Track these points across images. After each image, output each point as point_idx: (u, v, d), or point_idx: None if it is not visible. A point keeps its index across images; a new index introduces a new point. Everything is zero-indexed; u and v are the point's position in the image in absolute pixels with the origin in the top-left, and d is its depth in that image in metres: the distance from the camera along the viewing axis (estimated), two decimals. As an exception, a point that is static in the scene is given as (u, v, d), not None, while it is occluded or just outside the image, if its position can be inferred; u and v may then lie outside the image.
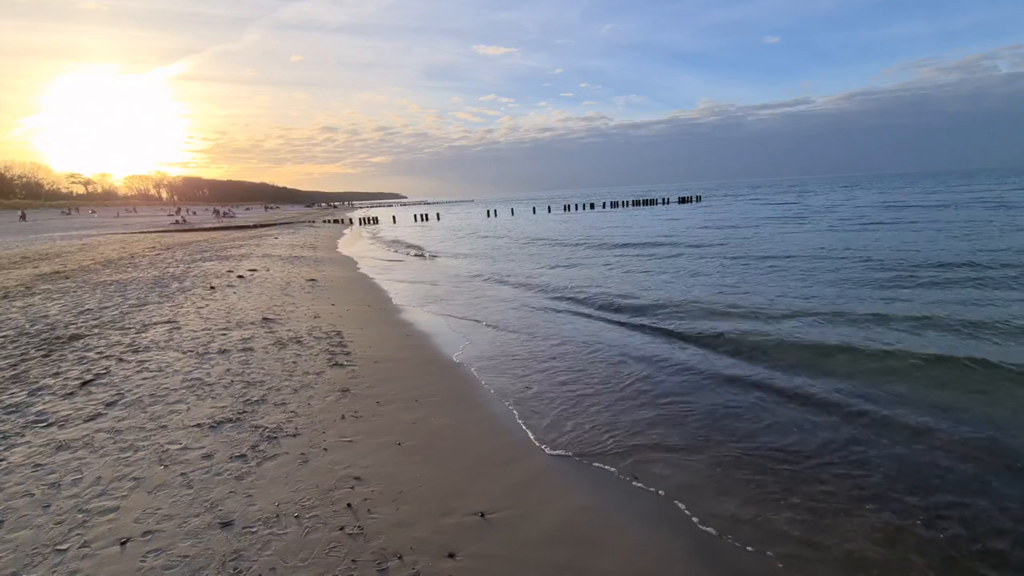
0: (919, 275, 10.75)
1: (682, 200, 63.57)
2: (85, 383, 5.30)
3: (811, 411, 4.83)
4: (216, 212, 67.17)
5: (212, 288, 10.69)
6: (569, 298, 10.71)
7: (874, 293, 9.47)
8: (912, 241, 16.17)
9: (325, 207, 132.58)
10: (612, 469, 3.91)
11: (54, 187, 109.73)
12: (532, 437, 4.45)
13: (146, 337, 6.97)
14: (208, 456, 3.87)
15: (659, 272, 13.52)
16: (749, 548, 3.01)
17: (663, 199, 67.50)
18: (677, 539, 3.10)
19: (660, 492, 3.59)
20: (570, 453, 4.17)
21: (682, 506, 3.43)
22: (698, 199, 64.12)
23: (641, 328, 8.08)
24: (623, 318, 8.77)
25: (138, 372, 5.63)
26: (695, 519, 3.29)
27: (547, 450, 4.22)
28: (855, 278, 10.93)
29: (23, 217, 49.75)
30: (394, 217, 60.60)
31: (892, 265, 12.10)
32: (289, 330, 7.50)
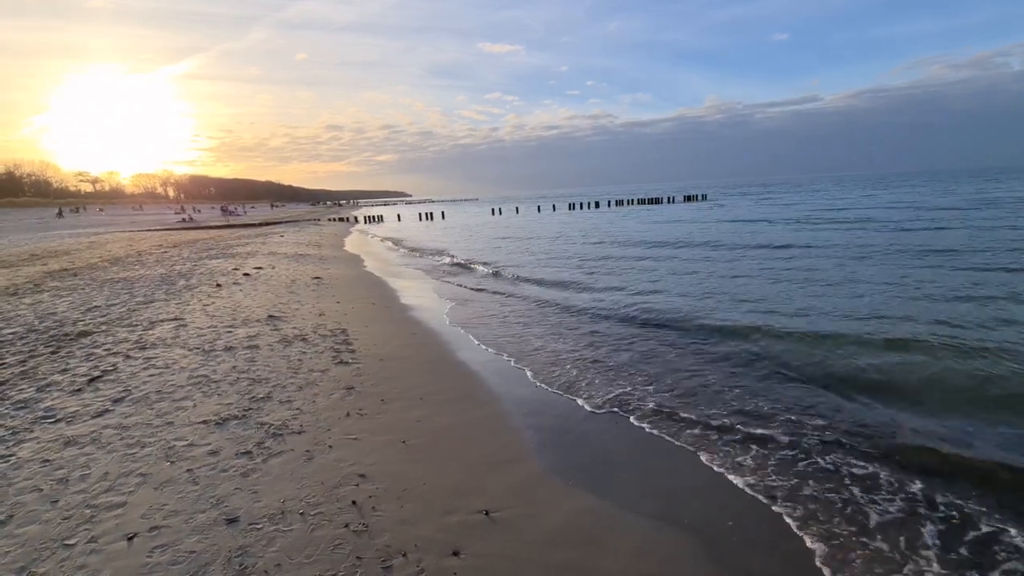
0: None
1: (687, 199, 63.35)
2: (93, 380, 5.34)
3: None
4: (223, 210, 67.48)
5: (218, 286, 10.75)
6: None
7: None
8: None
9: (331, 205, 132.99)
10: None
11: (62, 185, 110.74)
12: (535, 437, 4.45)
13: (153, 334, 7.02)
14: (214, 453, 3.89)
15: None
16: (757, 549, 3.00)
17: (668, 197, 67.26)
18: (681, 540, 3.09)
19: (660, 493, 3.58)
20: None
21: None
22: (704, 197, 63.86)
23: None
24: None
25: (145, 369, 5.67)
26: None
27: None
28: None
29: (60, 214, 50.56)
30: (399, 215, 60.86)
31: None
32: (294, 328, 7.53)
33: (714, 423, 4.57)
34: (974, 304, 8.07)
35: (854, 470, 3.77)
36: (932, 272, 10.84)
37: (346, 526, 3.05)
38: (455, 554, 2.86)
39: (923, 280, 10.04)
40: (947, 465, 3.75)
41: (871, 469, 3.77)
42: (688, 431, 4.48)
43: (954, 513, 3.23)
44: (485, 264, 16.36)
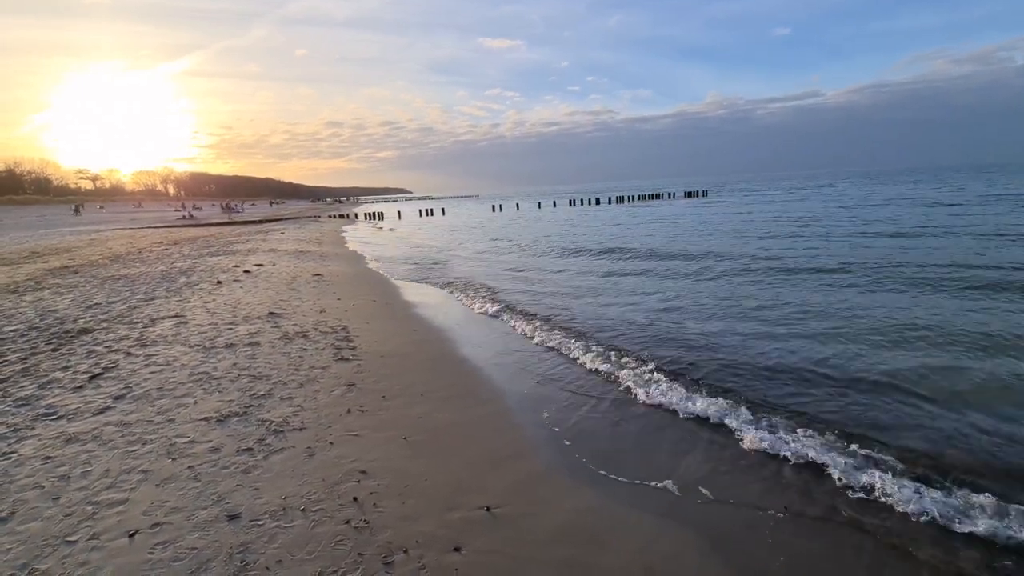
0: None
1: (688, 195, 63.37)
2: (94, 377, 5.34)
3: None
4: (225, 207, 67.28)
5: (219, 283, 10.75)
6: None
7: None
8: None
9: (331, 202, 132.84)
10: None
11: (63, 183, 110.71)
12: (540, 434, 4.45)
13: (154, 331, 7.01)
14: (215, 449, 3.89)
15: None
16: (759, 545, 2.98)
17: (669, 194, 67.23)
18: (684, 537, 3.08)
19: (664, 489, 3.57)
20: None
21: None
22: (704, 193, 63.83)
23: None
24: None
25: (146, 366, 5.67)
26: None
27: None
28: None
29: (77, 211, 50.78)
30: (399, 212, 60.89)
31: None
32: (295, 325, 7.52)
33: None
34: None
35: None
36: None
37: (347, 522, 3.05)
38: (456, 550, 2.86)
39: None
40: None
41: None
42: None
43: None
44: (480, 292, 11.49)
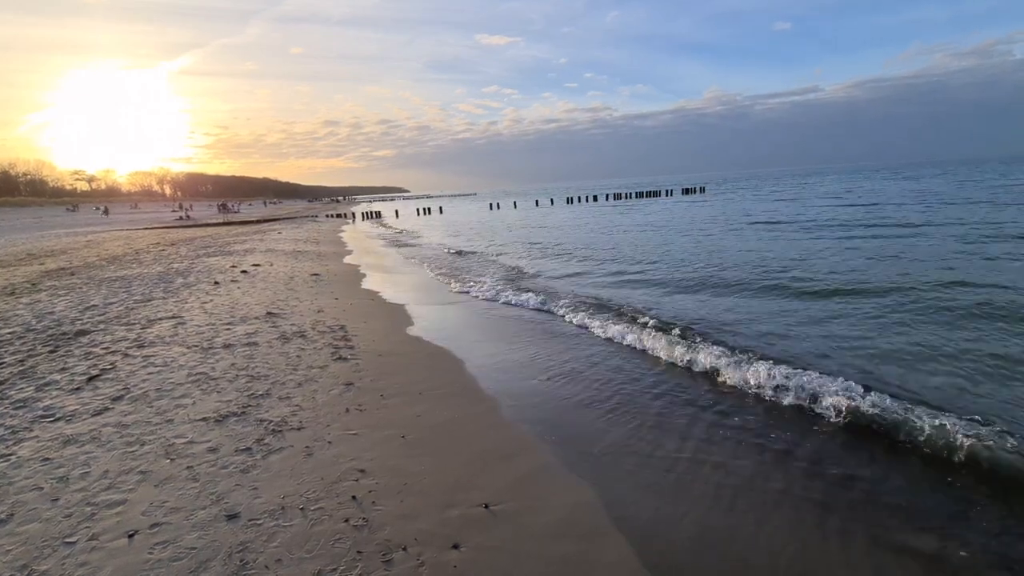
0: None
1: (686, 191, 63.46)
2: (92, 378, 5.34)
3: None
4: (222, 207, 66.89)
5: (216, 283, 10.73)
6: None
7: None
8: None
9: (327, 202, 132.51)
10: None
11: (58, 184, 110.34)
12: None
13: (151, 332, 7.01)
14: (214, 450, 3.90)
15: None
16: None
17: (667, 191, 67.28)
18: (683, 533, 3.10)
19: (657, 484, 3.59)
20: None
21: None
22: (702, 190, 63.88)
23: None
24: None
25: (144, 367, 5.67)
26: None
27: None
28: None
29: (106, 212, 50.85)
30: (396, 212, 60.84)
31: None
32: (293, 324, 7.52)
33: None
34: None
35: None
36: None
37: (346, 521, 3.06)
38: (455, 547, 2.87)
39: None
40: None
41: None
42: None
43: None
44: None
